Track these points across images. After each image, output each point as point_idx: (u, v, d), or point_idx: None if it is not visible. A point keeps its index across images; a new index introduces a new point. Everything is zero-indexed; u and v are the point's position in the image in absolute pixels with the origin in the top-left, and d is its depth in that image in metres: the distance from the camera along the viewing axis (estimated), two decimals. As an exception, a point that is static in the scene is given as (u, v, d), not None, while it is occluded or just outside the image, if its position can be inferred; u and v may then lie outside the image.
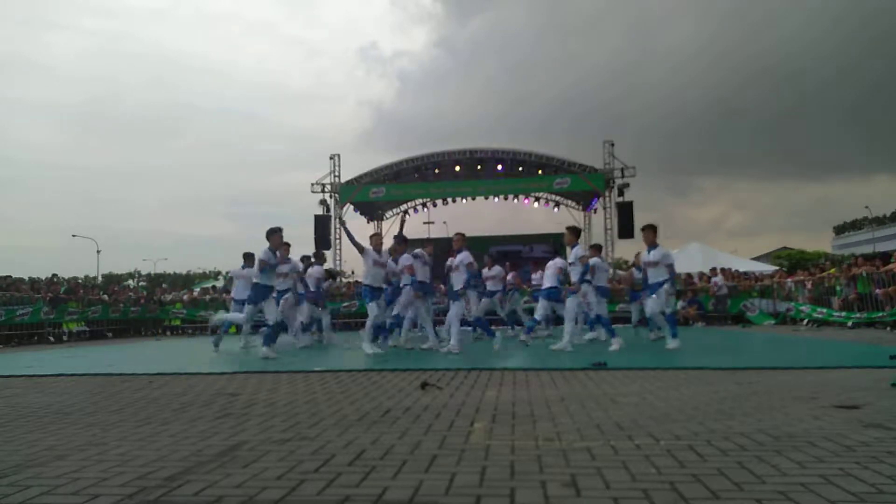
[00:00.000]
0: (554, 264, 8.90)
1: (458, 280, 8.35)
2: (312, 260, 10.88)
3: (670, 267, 7.79)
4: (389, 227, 27.93)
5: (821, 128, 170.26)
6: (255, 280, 7.99)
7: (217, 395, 4.41)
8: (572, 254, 8.46)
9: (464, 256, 8.35)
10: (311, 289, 10.22)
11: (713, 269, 17.59)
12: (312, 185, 23.83)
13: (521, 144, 43.82)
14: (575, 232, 8.76)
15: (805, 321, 14.07)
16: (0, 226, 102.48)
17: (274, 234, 8.01)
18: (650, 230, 8.10)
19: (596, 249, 10.08)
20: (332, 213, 23.83)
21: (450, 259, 8.64)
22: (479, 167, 23.80)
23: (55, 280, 18.86)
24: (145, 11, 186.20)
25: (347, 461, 2.43)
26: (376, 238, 8.55)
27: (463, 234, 8.85)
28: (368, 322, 8.10)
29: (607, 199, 23.21)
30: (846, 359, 5.95)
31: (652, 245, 7.95)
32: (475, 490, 2.02)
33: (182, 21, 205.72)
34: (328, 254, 22.50)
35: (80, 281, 31.13)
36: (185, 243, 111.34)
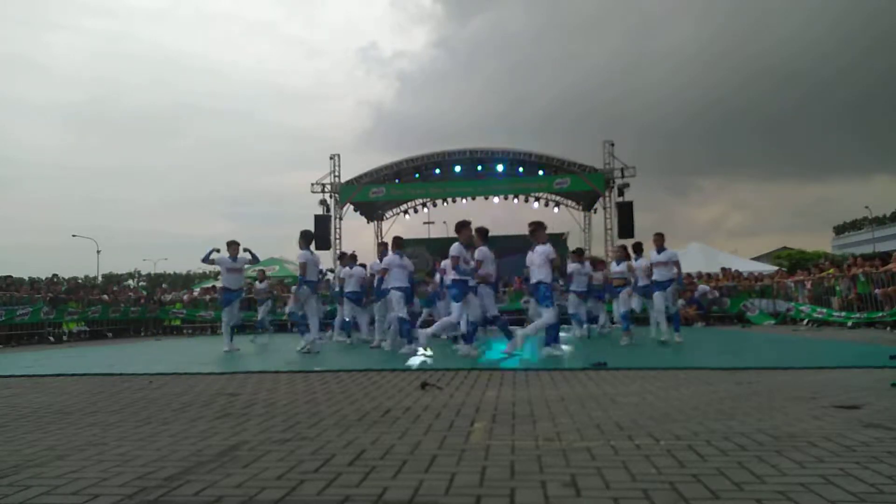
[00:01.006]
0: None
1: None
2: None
3: (552, 262, 7.46)
4: (390, 227, 27.98)
5: (821, 128, 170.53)
6: (454, 277, 7.63)
7: (217, 395, 4.41)
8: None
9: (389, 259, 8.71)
10: (356, 288, 10.26)
11: (699, 274, 17.26)
12: (312, 185, 23.82)
13: (521, 144, 43.77)
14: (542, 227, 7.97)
15: (805, 321, 14.07)
16: (0, 226, 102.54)
17: (464, 228, 7.74)
18: (538, 227, 7.66)
19: (577, 255, 10.52)
20: (332, 213, 23.82)
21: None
22: (479, 167, 23.77)
23: (55, 280, 18.86)
24: (145, 11, 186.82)
25: (347, 461, 2.43)
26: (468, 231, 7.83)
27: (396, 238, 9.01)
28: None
29: (607, 199, 23.19)
30: (846, 359, 5.96)
31: (540, 243, 7.53)
32: (475, 490, 2.02)
33: (182, 21, 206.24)
34: (328, 254, 22.51)
35: (80, 281, 31.14)
36: (185, 243, 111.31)
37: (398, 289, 8.51)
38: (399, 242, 9.01)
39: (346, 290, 10.31)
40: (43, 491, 2.10)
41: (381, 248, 8.86)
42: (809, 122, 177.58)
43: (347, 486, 2.08)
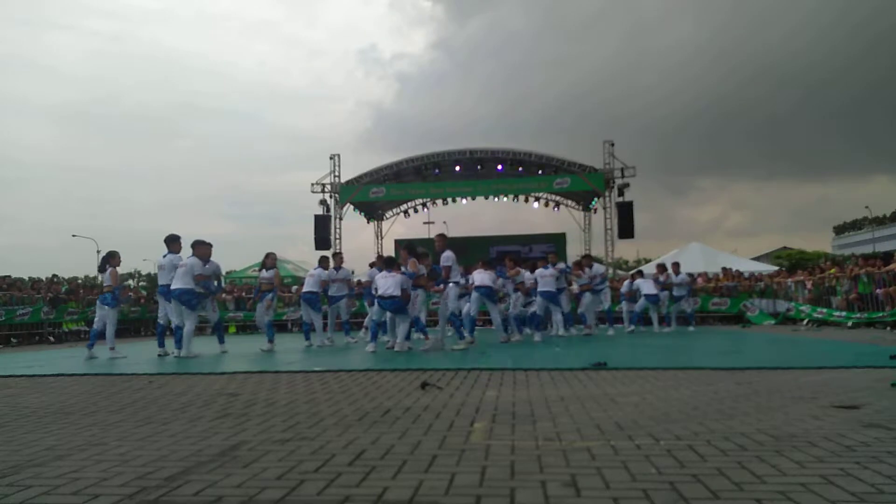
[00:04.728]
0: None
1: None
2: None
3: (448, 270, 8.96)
4: (389, 227, 27.98)
5: (821, 128, 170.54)
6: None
7: (217, 395, 4.41)
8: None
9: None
10: (313, 289, 10.41)
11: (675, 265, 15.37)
12: (312, 185, 23.80)
13: (520, 144, 43.82)
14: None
15: (805, 321, 14.06)
16: (0, 225, 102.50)
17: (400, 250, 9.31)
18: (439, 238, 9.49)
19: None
20: (332, 213, 23.81)
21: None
22: (479, 167, 23.74)
23: (55, 280, 18.84)
24: (145, 11, 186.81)
25: (347, 461, 2.43)
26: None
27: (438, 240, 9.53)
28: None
29: (607, 199, 23.18)
30: (846, 359, 5.95)
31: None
32: (475, 490, 2.02)
33: (182, 21, 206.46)
34: (327, 254, 22.48)
35: (80, 281, 31.13)
36: (185, 243, 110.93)
37: (456, 283, 9.11)
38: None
39: (305, 289, 10.52)
40: (43, 491, 2.10)
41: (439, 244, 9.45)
42: (809, 122, 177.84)
43: (347, 486, 2.08)
